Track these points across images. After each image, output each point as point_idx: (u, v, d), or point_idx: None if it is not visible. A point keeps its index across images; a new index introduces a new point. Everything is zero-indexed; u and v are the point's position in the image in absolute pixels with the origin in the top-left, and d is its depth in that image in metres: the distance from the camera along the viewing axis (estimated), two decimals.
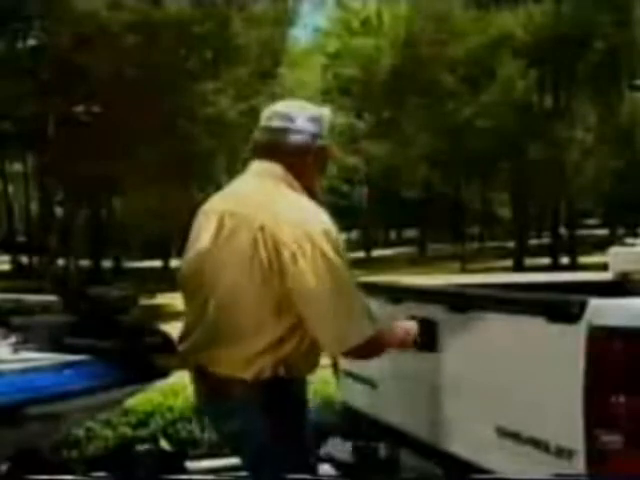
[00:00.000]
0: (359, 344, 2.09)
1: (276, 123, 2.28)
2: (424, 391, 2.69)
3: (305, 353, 2.20)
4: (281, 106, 2.35)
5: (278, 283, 2.11)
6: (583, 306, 1.99)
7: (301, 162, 2.25)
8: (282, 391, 2.18)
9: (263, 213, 2.15)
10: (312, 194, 2.26)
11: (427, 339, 2.50)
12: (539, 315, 2.11)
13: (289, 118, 2.26)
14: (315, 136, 2.26)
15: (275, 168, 2.25)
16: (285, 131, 2.27)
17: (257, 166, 2.31)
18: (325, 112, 2.35)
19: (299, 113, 2.28)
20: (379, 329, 2.18)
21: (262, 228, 2.12)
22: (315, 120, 2.28)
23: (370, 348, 2.16)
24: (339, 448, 3.15)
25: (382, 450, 2.95)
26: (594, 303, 1.98)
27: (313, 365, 2.30)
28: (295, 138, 2.25)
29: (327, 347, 2.17)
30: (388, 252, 43.70)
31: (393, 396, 2.95)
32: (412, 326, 2.38)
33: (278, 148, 2.27)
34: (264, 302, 2.13)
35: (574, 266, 29.49)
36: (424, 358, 2.61)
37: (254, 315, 2.15)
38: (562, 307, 2.05)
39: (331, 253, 2.07)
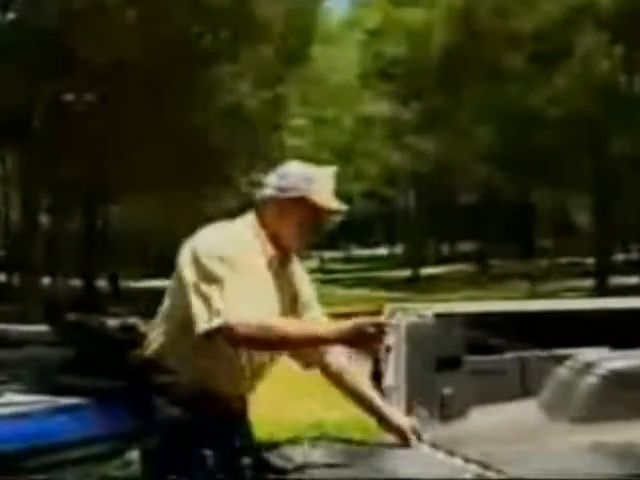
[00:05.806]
0: (210, 328, 2.80)
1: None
2: None
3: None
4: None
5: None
6: None
7: (265, 212, 3.08)
8: None
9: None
10: (277, 241, 3.04)
11: None
12: None
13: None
14: (280, 189, 3.04)
15: (249, 216, 3.11)
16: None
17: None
18: (293, 169, 3.09)
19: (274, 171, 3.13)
20: (272, 321, 2.85)
21: None
22: (282, 176, 3.06)
23: (244, 334, 2.78)
24: None
25: None
26: None
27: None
28: (263, 191, 3.10)
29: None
30: (440, 270, 43.65)
31: None
32: (360, 324, 2.73)
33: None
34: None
35: None
36: None
37: None
38: None
39: (206, 263, 2.97)
